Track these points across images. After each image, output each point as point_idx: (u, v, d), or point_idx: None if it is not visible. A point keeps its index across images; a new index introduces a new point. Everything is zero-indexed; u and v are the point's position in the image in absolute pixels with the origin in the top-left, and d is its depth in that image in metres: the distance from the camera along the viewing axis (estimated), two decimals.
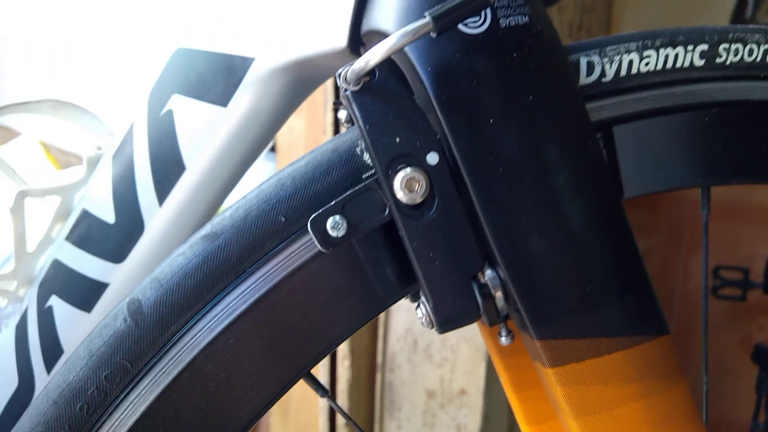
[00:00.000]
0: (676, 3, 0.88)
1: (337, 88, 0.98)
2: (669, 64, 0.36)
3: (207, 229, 0.35)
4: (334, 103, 0.94)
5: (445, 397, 1.10)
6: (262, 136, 0.46)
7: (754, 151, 0.37)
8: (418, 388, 1.10)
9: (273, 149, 1.15)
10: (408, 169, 0.32)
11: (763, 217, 1.35)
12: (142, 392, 0.35)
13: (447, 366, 1.07)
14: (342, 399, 1.10)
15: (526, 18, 0.33)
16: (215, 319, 0.35)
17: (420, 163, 0.33)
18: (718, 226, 1.35)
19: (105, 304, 0.52)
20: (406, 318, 1.08)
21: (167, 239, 0.49)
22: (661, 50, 0.36)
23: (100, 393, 0.34)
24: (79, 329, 0.53)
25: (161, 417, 0.35)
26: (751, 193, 1.44)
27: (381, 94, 0.32)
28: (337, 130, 1.01)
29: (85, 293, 0.52)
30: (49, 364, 0.54)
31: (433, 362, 1.08)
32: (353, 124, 0.36)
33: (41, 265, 0.56)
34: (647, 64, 0.36)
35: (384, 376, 1.12)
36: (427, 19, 0.29)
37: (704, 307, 0.44)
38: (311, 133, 1.04)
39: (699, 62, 0.36)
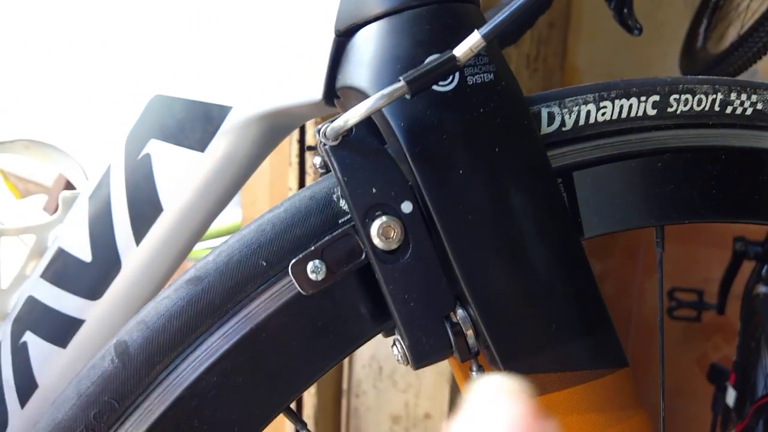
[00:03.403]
0: (628, 35, 0.92)
1: (302, 125, 0.99)
2: (624, 114, 0.39)
3: (191, 273, 0.37)
4: (307, 147, 0.95)
5: (410, 421, 1.11)
6: (237, 180, 0.47)
7: (703, 193, 0.40)
8: (384, 413, 1.11)
9: None
10: (384, 218, 0.34)
11: (717, 240, 1.39)
12: (129, 430, 0.36)
13: (411, 391, 1.09)
14: (308, 425, 1.10)
15: (492, 75, 0.36)
16: (199, 358, 0.36)
17: (395, 212, 0.35)
18: (673, 249, 1.39)
19: (80, 340, 0.53)
20: (371, 345, 1.09)
21: (144, 277, 0.50)
22: (617, 101, 0.38)
23: (89, 431, 0.36)
24: (54, 365, 0.53)
25: None
26: None
27: (358, 149, 0.34)
28: (302, 161, 1.03)
29: (60, 329, 0.53)
30: (23, 400, 0.54)
31: (397, 388, 1.09)
32: (327, 170, 0.38)
33: (15, 302, 0.57)
34: (604, 114, 0.38)
35: (350, 402, 1.13)
36: (402, 83, 0.32)
37: (660, 338, 0.46)
38: (276, 164, 1.05)
39: (652, 112, 0.39)
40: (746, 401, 1.05)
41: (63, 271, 0.53)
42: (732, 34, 1.14)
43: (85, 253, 0.51)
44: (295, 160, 1.02)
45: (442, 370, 1.07)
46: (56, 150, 0.61)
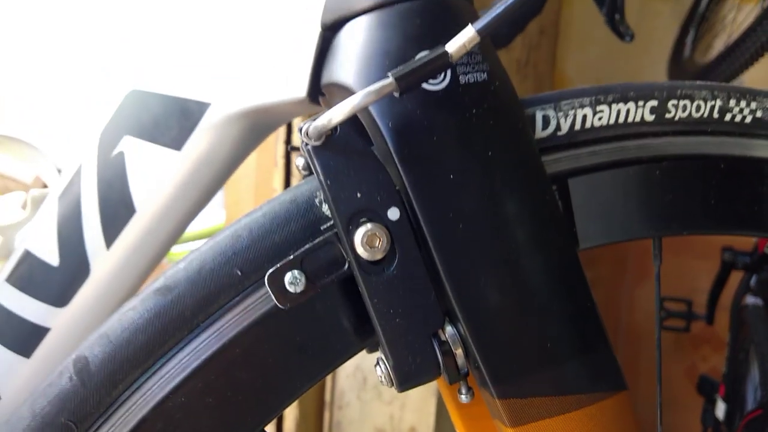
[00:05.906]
0: (617, 43, 0.91)
1: (289, 125, 0.97)
2: (621, 119, 0.37)
3: (160, 282, 0.34)
4: (291, 148, 0.93)
5: None
6: (215, 181, 0.45)
7: (703, 203, 0.38)
8: (367, 426, 1.09)
9: None
10: (369, 225, 0.32)
11: (707, 251, 1.38)
12: None
13: (397, 403, 1.06)
14: None
15: (485, 75, 0.33)
16: (166, 376, 0.33)
17: (381, 219, 0.32)
18: (663, 259, 1.39)
19: (45, 349, 0.50)
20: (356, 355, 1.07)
21: (114, 283, 0.48)
22: (614, 105, 0.37)
23: None
24: (17, 375, 0.51)
25: None
26: None
27: (342, 149, 0.32)
28: (288, 162, 1.00)
29: (24, 338, 0.50)
30: None
31: (382, 399, 1.07)
32: (310, 172, 0.35)
33: None
34: (600, 118, 0.36)
35: (332, 415, 1.10)
36: (390, 79, 0.29)
37: (657, 353, 0.44)
38: (262, 164, 1.03)
39: (649, 117, 0.37)
40: (736, 414, 1.04)
41: (29, 275, 0.50)
42: (718, 46, 1.14)
43: (52, 257, 0.49)
44: (281, 161, 1.00)
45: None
46: (31, 147, 0.58)
